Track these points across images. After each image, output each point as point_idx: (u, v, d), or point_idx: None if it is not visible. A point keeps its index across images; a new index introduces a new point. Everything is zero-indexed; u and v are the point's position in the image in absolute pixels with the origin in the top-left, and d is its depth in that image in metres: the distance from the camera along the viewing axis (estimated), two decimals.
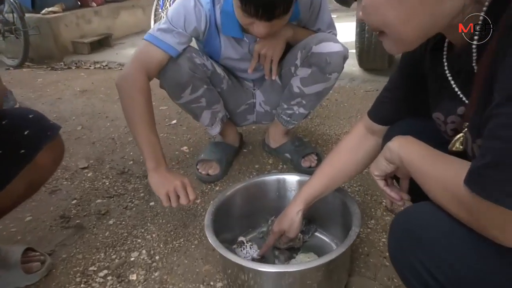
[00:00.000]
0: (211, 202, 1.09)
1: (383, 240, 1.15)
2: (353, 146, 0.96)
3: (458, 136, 0.65)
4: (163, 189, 1.09)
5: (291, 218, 0.98)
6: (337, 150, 0.98)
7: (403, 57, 0.84)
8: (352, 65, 2.62)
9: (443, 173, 0.60)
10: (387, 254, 1.15)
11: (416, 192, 0.76)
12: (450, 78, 0.68)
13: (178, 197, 1.09)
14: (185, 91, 1.30)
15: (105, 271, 1.10)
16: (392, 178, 0.81)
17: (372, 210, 1.27)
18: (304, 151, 1.50)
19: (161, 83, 1.32)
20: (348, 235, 0.90)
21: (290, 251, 1.10)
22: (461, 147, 0.65)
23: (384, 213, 1.25)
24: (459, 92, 0.66)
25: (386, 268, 1.06)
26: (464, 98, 0.65)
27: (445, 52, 0.69)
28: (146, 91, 1.16)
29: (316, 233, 1.16)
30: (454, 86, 0.67)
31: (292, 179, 1.16)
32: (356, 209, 0.99)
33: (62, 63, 3.53)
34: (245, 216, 1.17)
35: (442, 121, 0.72)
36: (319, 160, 1.48)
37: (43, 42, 3.62)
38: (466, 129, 0.63)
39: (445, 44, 0.69)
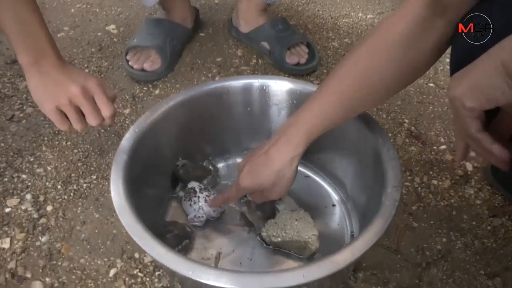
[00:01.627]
0: (134, 123, 0.62)
1: (407, 184, 0.76)
2: (402, 36, 0.48)
3: None
4: (50, 102, 0.60)
5: (279, 169, 0.54)
6: (371, 43, 0.50)
7: None
8: None
9: None
10: (413, 207, 0.79)
11: None
12: None
13: (82, 114, 0.62)
14: None
15: None
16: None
17: (390, 135, 0.85)
18: (290, 39, 1.00)
19: None
20: (382, 205, 0.48)
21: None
22: None
23: (407, 140, 0.84)
24: None
25: (412, 233, 0.68)
26: None
27: None
28: None
29: (308, 171, 0.75)
30: None
31: (277, 86, 0.68)
32: (391, 150, 0.55)
33: None
34: (195, 144, 0.72)
35: None
36: (312, 55, 1.00)
37: None
38: None
39: None
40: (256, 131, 0.73)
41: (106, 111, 0.61)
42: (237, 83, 0.68)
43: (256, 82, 0.68)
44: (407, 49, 0.48)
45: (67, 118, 0.62)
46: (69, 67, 0.63)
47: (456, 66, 0.45)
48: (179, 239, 0.62)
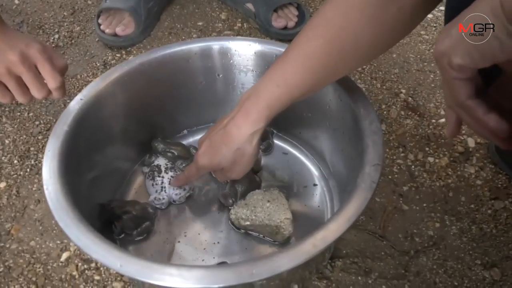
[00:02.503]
0: (81, 91, 0.54)
1: (399, 161, 0.68)
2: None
3: None
4: None
5: (238, 147, 0.47)
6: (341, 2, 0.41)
7: None
8: None
9: None
10: (405, 188, 0.71)
11: None
12: None
13: (24, 85, 0.54)
14: None
15: None
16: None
17: (383, 106, 0.76)
18: None
19: None
20: (357, 187, 0.41)
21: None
22: None
23: (403, 113, 0.75)
24: None
25: (402, 216, 0.61)
26: None
27: None
28: None
29: (288, 147, 0.67)
30: None
31: (241, 48, 0.60)
32: (374, 123, 0.47)
33: None
34: (163, 115, 0.64)
35: None
36: (302, 18, 0.90)
37: None
38: None
39: None
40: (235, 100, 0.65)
41: (51, 82, 0.53)
42: (204, 45, 0.59)
43: (216, 44, 0.59)
44: (387, 3, 0.39)
45: (9, 89, 0.54)
46: (11, 32, 0.55)
47: (451, 18, 0.36)
48: (137, 221, 0.56)
